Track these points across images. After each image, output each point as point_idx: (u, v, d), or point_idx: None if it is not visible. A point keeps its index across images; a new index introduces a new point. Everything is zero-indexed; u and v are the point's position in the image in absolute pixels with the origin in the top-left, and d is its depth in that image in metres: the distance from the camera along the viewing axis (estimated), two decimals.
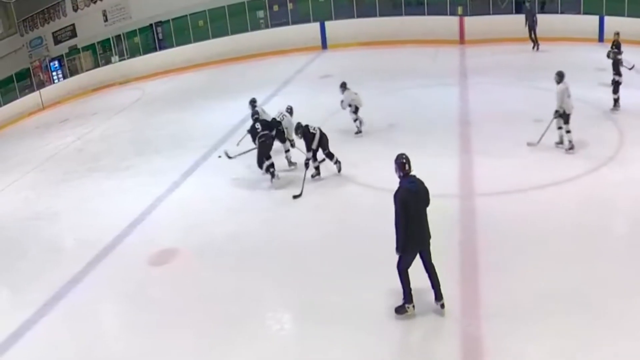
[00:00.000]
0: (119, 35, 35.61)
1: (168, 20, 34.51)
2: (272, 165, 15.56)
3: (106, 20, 36.85)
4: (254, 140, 15.84)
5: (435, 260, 9.44)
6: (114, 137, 23.90)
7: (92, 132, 24.80)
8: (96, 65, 36.16)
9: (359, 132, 18.05)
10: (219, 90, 26.49)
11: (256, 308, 10.71)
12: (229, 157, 17.07)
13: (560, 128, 15.23)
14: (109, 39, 35.74)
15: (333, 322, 9.86)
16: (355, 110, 17.83)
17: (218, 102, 24.60)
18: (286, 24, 31.55)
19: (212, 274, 12.17)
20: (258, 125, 15.71)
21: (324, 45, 30.07)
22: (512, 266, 10.69)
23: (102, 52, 36.21)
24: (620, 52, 17.96)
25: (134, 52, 35.52)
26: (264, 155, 15.50)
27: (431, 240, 9.35)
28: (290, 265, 11.94)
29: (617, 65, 17.43)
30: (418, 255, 9.33)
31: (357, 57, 27.68)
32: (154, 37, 35.39)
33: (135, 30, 35.35)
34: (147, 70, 33.98)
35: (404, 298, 9.49)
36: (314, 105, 21.02)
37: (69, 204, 17.85)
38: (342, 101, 17.96)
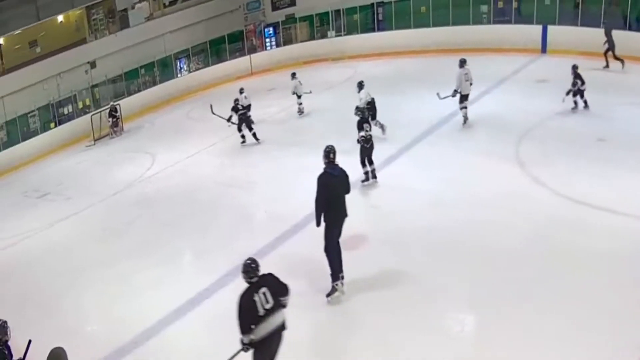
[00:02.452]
0: (339, 10, 37.46)
1: (390, 2, 35.90)
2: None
3: None
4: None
5: None
6: (318, 113, 25.69)
7: (295, 107, 26.69)
8: (311, 37, 38.52)
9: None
10: (432, 80, 27.15)
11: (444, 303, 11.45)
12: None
13: None
14: (327, 13, 37.81)
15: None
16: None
17: (429, 92, 25.32)
18: (509, 22, 31.74)
19: (399, 263, 13.00)
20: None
21: (544, 49, 29.89)
22: None
23: (319, 25, 38.34)
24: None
25: (351, 30, 37.27)
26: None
27: None
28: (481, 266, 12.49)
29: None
30: None
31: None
32: (374, 17, 36.81)
33: (356, 7, 36.98)
34: (362, 50, 35.64)
35: (332, 278, 11.76)
36: (526, 110, 21.54)
37: (265, 175, 19.88)
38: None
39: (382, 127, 20.92)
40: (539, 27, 30.22)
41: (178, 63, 38.15)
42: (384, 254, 13.55)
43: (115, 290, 14.21)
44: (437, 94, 20.38)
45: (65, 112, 33.27)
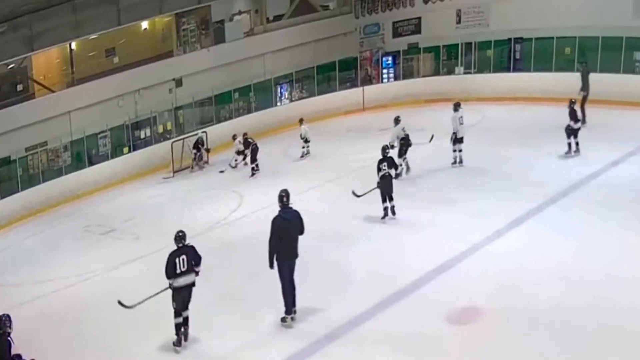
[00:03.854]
0: (470, 44, 38.04)
1: (530, 39, 36.14)
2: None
3: (459, 22, 39.39)
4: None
5: None
6: (438, 161, 26.18)
7: (415, 151, 27.13)
8: (435, 72, 39.19)
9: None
10: None
11: None
12: None
13: None
14: (457, 45, 38.43)
15: None
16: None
17: (565, 147, 25.53)
18: None
19: (520, 346, 13.27)
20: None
21: None
22: None
23: (446, 58, 39.07)
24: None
25: (482, 67, 37.77)
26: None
27: None
28: None
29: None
30: None
31: None
32: (510, 54, 37.22)
33: (490, 41, 37.50)
34: (493, 91, 35.84)
35: (285, 311, 15.08)
36: None
37: (370, 228, 20.60)
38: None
39: (407, 167, 24.30)
40: None
41: (278, 89, 39.38)
42: (501, 331, 13.90)
43: (185, 352, 14.93)
44: (431, 136, 24.18)
45: (142, 135, 34.57)
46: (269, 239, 14.91)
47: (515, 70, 36.97)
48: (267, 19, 40.29)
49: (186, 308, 15.14)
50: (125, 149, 33.84)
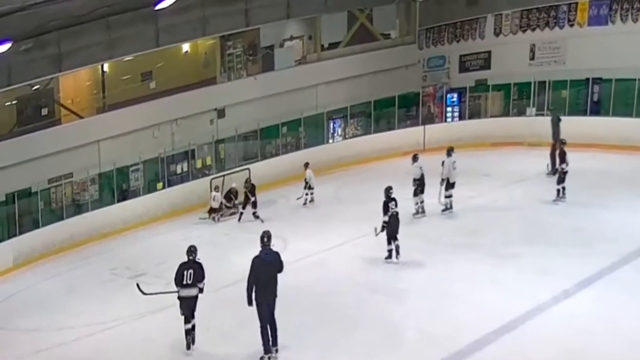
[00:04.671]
0: (543, 82, 38.01)
1: (610, 79, 35.97)
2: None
3: (532, 58, 39.58)
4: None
5: None
6: (503, 210, 26.66)
7: (478, 198, 27.78)
8: (505, 112, 39.48)
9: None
10: None
11: None
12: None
13: None
14: (529, 84, 38.43)
15: None
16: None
17: None
18: None
19: None
20: None
21: None
22: None
23: (517, 98, 39.23)
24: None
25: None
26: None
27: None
28: None
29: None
30: None
31: None
32: (588, 96, 37.17)
33: (566, 81, 37.44)
34: (567, 136, 33.52)
35: (264, 350, 17.01)
36: None
37: (424, 282, 20.96)
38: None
39: (423, 209, 27.22)
40: None
41: (331, 124, 39.88)
42: None
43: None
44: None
45: (178, 170, 35.07)
46: (247, 278, 17.05)
47: (592, 113, 36.89)
48: (322, 46, 40.87)
49: (192, 317, 18.32)
50: (159, 185, 34.37)
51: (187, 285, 18.10)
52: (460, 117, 40.15)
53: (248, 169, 33.99)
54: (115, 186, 33.07)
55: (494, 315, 17.84)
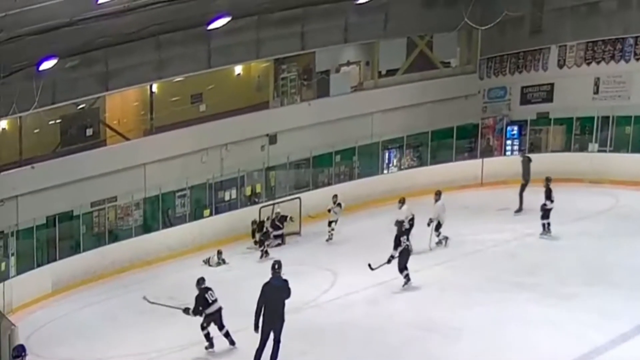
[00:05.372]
0: (607, 117, 37.47)
1: None
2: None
3: (596, 92, 38.98)
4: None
5: None
6: (557, 250, 26.42)
7: (536, 235, 27.43)
8: (566, 147, 38.98)
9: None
10: None
11: None
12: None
13: None
14: (592, 118, 37.97)
15: None
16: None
17: None
18: None
19: None
20: None
21: None
22: None
23: (579, 133, 38.78)
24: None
25: (619, 146, 37.01)
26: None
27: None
28: None
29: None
30: None
31: None
32: None
33: (630, 117, 36.92)
34: (631, 174, 35.22)
35: None
36: None
37: (477, 321, 20.66)
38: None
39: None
40: None
41: (387, 154, 39.94)
42: None
43: None
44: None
45: (227, 197, 35.24)
46: (257, 303, 18.51)
47: None
48: (379, 72, 40.90)
49: (223, 327, 21.10)
50: (207, 212, 34.59)
51: (213, 302, 21.02)
52: (521, 150, 39.18)
53: (299, 197, 34.08)
54: (160, 212, 33.22)
55: (548, 358, 17.79)
